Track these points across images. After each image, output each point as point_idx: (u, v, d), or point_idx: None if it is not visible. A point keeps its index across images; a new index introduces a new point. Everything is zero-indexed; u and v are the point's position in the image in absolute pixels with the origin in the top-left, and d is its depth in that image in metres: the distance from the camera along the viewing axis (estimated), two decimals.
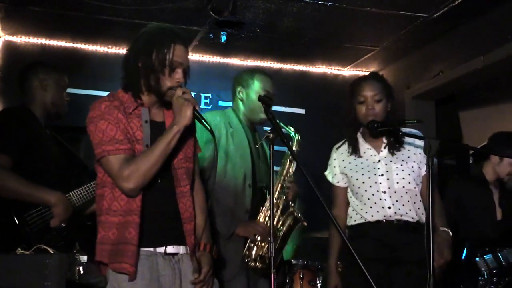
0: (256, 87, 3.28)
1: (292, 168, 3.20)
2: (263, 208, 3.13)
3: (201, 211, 2.53)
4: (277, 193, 3.16)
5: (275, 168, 3.25)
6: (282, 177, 3.18)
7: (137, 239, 2.27)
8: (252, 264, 3.05)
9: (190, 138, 2.51)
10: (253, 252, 3.06)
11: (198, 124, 2.51)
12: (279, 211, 3.16)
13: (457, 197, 3.96)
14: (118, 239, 2.29)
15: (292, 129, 3.25)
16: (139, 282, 2.27)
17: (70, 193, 3.05)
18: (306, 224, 3.18)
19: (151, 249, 2.33)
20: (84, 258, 3.18)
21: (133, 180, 2.25)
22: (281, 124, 3.07)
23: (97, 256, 2.33)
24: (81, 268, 3.12)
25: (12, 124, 3.01)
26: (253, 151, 3.26)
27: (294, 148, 3.20)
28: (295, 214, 3.16)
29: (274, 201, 3.14)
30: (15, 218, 2.89)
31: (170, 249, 2.36)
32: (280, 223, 3.15)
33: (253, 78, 3.31)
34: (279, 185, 3.17)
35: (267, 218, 3.10)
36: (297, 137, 3.25)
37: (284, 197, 3.16)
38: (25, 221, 2.89)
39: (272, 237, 2.37)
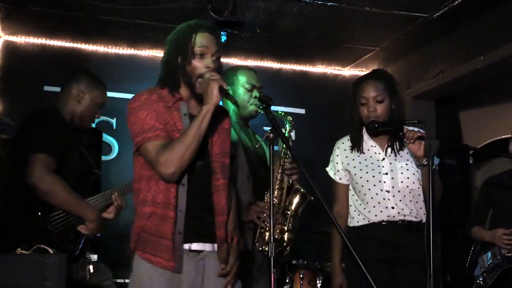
0: (241, 81, 3.29)
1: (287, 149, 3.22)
2: (267, 193, 3.13)
3: (232, 208, 2.56)
4: (279, 175, 3.16)
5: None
6: (282, 160, 3.18)
7: (172, 233, 2.30)
8: (267, 248, 3.04)
9: (227, 135, 2.56)
10: (266, 237, 3.05)
11: None
12: (284, 192, 3.16)
13: (489, 195, 4.02)
14: (150, 230, 2.32)
15: (282, 112, 3.27)
16: (158, 277, 2.29)
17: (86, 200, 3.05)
18: (313, 199, 3.18)
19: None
20: (94, 257, 3.21)
21: (170, 164, 2.27)
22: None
23: (131, 245, 2.37)
24: (91, 267, 3.14)
25: (53, 125, 3.01)
26: (245, 145, 3.25)
27: (287, 128, 3.22)
28: (301, 190, 3.16)
29: (278, 185, 3.14)
30: (40, 216, 2.90)
31: (195, 246, 2.38)
32: (288, 202, 3.16)
33: (237, 74, 3.32)
34: (280, 166, 3.17)
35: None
36: (288, 118, 3.25)
37: (286, 179, 3.15)
38: (48, 220, 2.91)
39: (272, 238, 2.37)
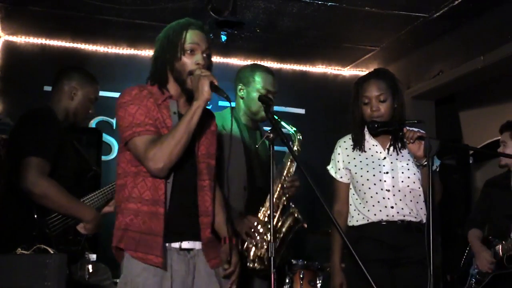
0: (257, 85, 3.18)
1: (293, 168, 3.16)
2: (262, 208, 3.11)
3: (221, 207, 2.56)
4: (277, 193, 3.10)
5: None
6: (283, 177, 3.12)
7: (162, 230, 2.30)
8: (251, 265, 3.01)
9: (213, 137, 2.55)
10: (251, 253, 3.00)
11: None
12: (278, 212, 3.10)
13: (489, 197, 4.04)
14: (140, 228, 2.31)
15: (293, 128, 3.16)
16: (151, 279, 2.28)
17: (84, 198, 3.04)
18: (306, 226, 3.15)
19: (166, 244, 2.34)
20: (93, 257, 3.20)
21: (159, 159, 2.27)
22: (283, 122, 3.03)
23: (114, 241, 2.36)
24: (90, 267, 3.14)
25: (45, 127, 2.99)
26: (249, 152, 3.18)
27: (295, 148, 3.14)
28: (295, 215, 3.11)
29: (274, 201, 3.08)
30: (36, 219, 2.89)
31: (186, 244, 2.38)
32: (280, 223, 3.09)
33: (254, 76, 3.20)
34: (279, 185, 3.11)
35: (266, 218, 3.07)
36: (298, 136, 3.17)
37: (284, 198, 3.10)
38: (46, 224, 2.90)
39: (272, 237, 2.36)
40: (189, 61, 2.39)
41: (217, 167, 2.59)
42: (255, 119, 3.25)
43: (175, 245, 2.36)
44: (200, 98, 2.30)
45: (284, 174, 3.12)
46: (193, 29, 2.42)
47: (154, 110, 2.37)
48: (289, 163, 3.14)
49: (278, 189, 3.11)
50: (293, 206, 3.13)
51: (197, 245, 2.41)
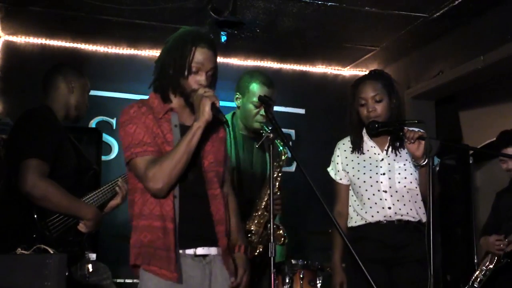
0: (252, 97, 3.15)
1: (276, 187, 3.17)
2: (253, 215, 3.11)
3: (234, 214, 2.55)
4: (264, 202, 3.13)
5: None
6: (264, 201, 3.14)
7: (174, 245, 2.29)
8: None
9: (221, 143, 2.54)
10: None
11: None
12: (262, 225, 3.11)
13: (499, 208, 4.07)
14: (152, 243, 2.30)
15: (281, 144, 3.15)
16: (164, 282, 2.28)
17: (84, 198, 3.03)
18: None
19: (180, 251, 2.34)
20: (93, 256, 3.20)
21: (158, 180, 2.27)
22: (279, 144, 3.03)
23: (131, 260, 2.35)
24: (89, 266, 3.14)
25: (43, 127, 2.98)
26: (241, 160, 3.17)
27: (280, 163, 3.16)
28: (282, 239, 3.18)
29: (262, 210, 3.12)
30: (36, 221, 2.88)
31: (200, 250, 2.37)
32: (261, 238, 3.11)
33: (250, 86, 3.18)
34: (263, 204, 3.14)
35: (253, 227, 3.09)
36: (284, 152, 3.16)
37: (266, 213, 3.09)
38: (46, 226, 2.89)
39: (272, 237, 2.36)
40: (193, 80, 2.39)
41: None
42: (250, 129, 3.24)
43: (190, 251, 2.35)
44: (201, 119, 2.31)
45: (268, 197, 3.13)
46: (202, 47, 2.39)
47: (153, 126, 2.36)
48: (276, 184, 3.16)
49: (264, 203, 3.13)
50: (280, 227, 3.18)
51: (212, 250, 2.40)
